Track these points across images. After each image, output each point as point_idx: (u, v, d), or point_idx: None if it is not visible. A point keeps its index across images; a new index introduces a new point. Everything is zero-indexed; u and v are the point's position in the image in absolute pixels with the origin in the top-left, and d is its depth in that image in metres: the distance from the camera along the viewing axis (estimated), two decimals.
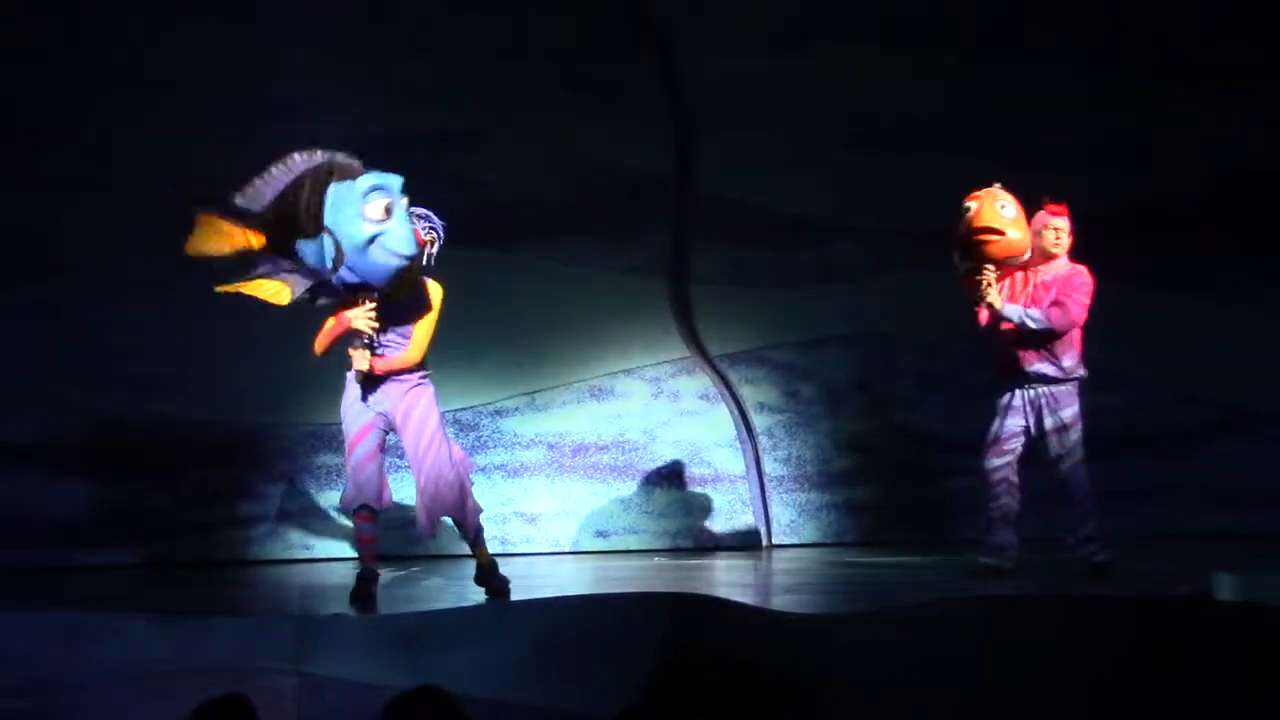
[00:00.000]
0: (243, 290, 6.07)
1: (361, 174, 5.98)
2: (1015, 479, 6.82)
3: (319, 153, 6.01)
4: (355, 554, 6.81)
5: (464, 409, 8.86)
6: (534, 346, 9.00)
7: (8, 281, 8.32)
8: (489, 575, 6.42)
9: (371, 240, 5.88)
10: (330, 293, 6.14)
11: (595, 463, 9.09)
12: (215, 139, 8.49)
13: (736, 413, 9.27)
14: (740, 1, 9.23)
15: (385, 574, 6.73)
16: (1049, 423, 6.74)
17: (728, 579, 7.60)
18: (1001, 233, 6.62)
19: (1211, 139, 9.30)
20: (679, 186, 9.28)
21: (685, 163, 9.28)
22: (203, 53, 8.54)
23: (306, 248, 5.96)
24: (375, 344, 6.20)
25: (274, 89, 8.60)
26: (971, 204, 6.70)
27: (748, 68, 9.17)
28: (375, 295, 6.11)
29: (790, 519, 9.26)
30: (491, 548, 8.76)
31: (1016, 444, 6.79)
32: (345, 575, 7.32)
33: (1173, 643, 4.96)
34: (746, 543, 9.16)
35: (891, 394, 9.38)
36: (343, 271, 5.97)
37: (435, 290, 6.36)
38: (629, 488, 9.10)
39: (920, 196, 9.07)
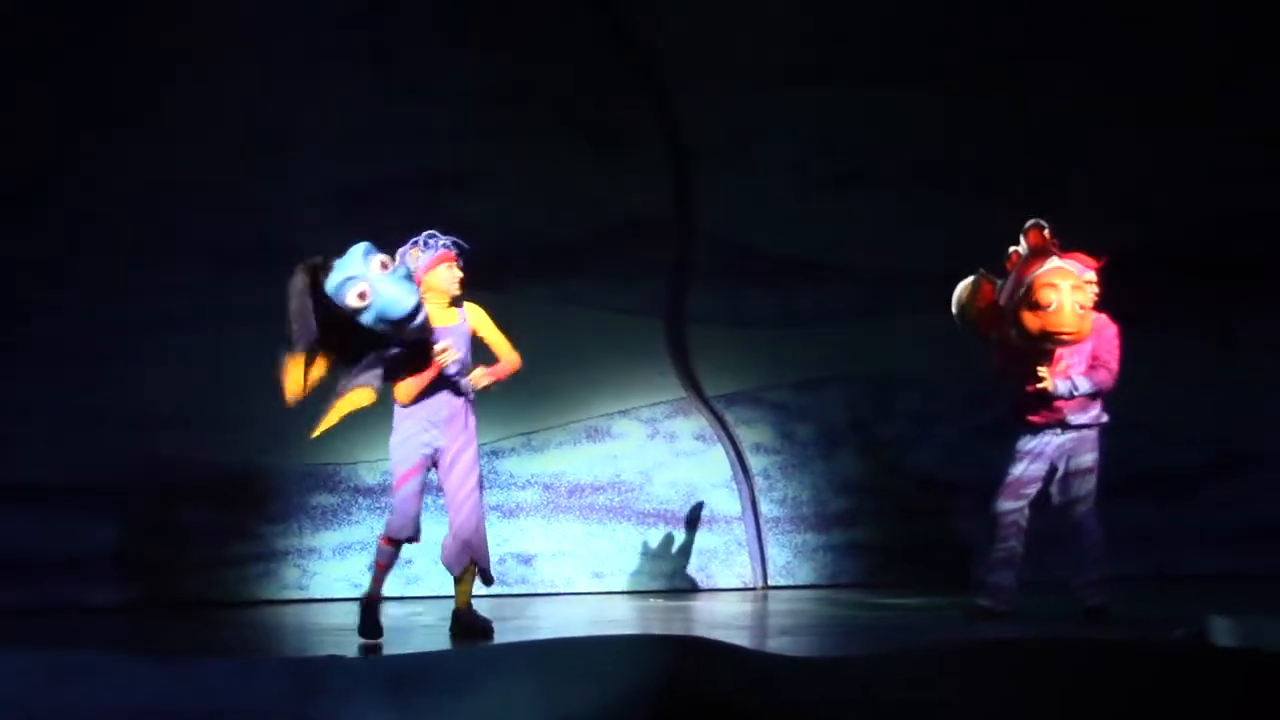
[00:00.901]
0: (334, 420, 6.24)
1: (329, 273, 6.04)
2: (1025, 524, 6.81)
3: (296, 272, 6.04)
4: (356, 589, 6.78)
5: None
6: (530, 387, 8.95)
7: (5, 319, 8.33)
8: (469, 618, 6.51)
9: (380, 320, 6.01)
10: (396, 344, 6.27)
11: (591, 503, 9.08)
12: (214, 180, 8.54)
13: (732, 453, 9.27)
14: (738, 44, 9.27)
15: (383, 615, 6.70)
16: (1071, 466, 6.76)
17: (723, 620, 7.58)
18: (1079, 333, 6.58)
19: (1210, 181, 9.34)
20: (676, 227, 9.30)
21: (683, 203, 9.31)
22: (203, 93, 8.58)
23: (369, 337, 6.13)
24: (463, 369, 6.47)
25: (274, 130, 8.64)
26: (1051, 299, 6.47)
27: (745, 109, 9.22)
28: (434, 338, 6.31)
29: (786, 560, 9.24)
30: (487, 588, 8.82)
31: (1033, 489, 6.80)
32: (340, 616, 7.31)
33: (1168, 688, 4.95)
34: (742, 584, 9.15)
35: (887, 435, 9.38)
36: (388, 346, 6.17)
37: (477, 309, 6.62)
38: (625, 528, 9.09)
39: (918, 238, 9.12)
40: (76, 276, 8.47)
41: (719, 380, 9.29)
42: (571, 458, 9.10)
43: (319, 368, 6.15)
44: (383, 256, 6.05)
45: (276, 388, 8.43)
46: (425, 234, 6.50)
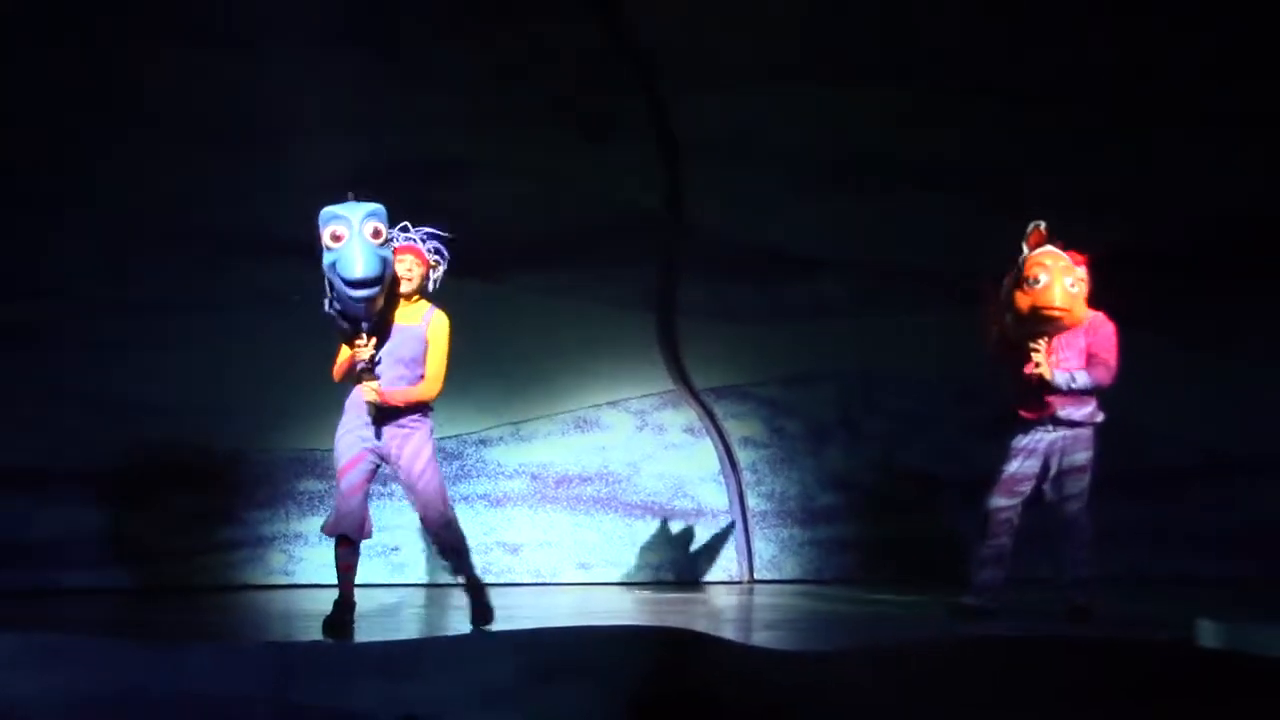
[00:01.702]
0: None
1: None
2: (1017, 521, 6.81)
3: None
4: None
5: (448, 438, 8.86)
6: (519, 377, 9.01)
7: None
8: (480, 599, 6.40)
9: (332, 267, 5.95)
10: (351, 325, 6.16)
11: (578, 494, 9.08)
12: (206, 168, 8.52)
13: (721, 447, 9.28)
14: (731, 40, 9.26)
15: (368, 602, 6.69)
16: (1064, 464, 6.75)
17: (709, 613, 7.58)
18: (1069, 311, 6.61)
19: (1198, 185, 9.35)
20: (668, 221, 9.30)
21: (674, 197, 9.31)
22: (195, 82, 8.56)
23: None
24: (377, 373, 6.17)
25: (266, 118, 8.62)
26: (1039, 275, 6.56)
27: (738, 105, 9.21)
28: (364, 325, 6.10)
29: (772, 554, 9.25)
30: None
31: (1027, 486, 6.79)
32: (326, 602, 7.29)
33: (1154, 689, 4.96)
34: (728, 577, 9.16)
35: (876, 431, 9.39)
36: (332, 302, 6.01)
37: (441, 321, 6.36)
38: (612, 520, 9.09)
39: (908, 235, 9.13)
40: (64, 261, 8.45)
41: (708, 373, 9.29)
42: (560, 448, 9.10)
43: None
44: (380, 225, 6.01)
45: (265, 374, 8.46)
46: (400, 225, 6.35)
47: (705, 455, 9.26)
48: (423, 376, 6.27)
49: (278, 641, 6.10)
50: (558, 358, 9.03)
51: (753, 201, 9.27)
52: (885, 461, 9.37)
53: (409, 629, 6.55)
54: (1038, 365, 6.64)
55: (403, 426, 6.26)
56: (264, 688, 5.53)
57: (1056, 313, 6.58)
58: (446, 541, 6.37)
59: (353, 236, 5.93)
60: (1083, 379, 6.68)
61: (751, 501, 9.25)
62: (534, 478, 9.06)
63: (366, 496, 6.32)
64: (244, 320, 8.55)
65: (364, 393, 6.16)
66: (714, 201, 9.28)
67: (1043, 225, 6.68)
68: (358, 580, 6.31)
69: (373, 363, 6.14)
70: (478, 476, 8.95)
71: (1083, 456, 6.75)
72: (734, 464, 9.27)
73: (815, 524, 9.30)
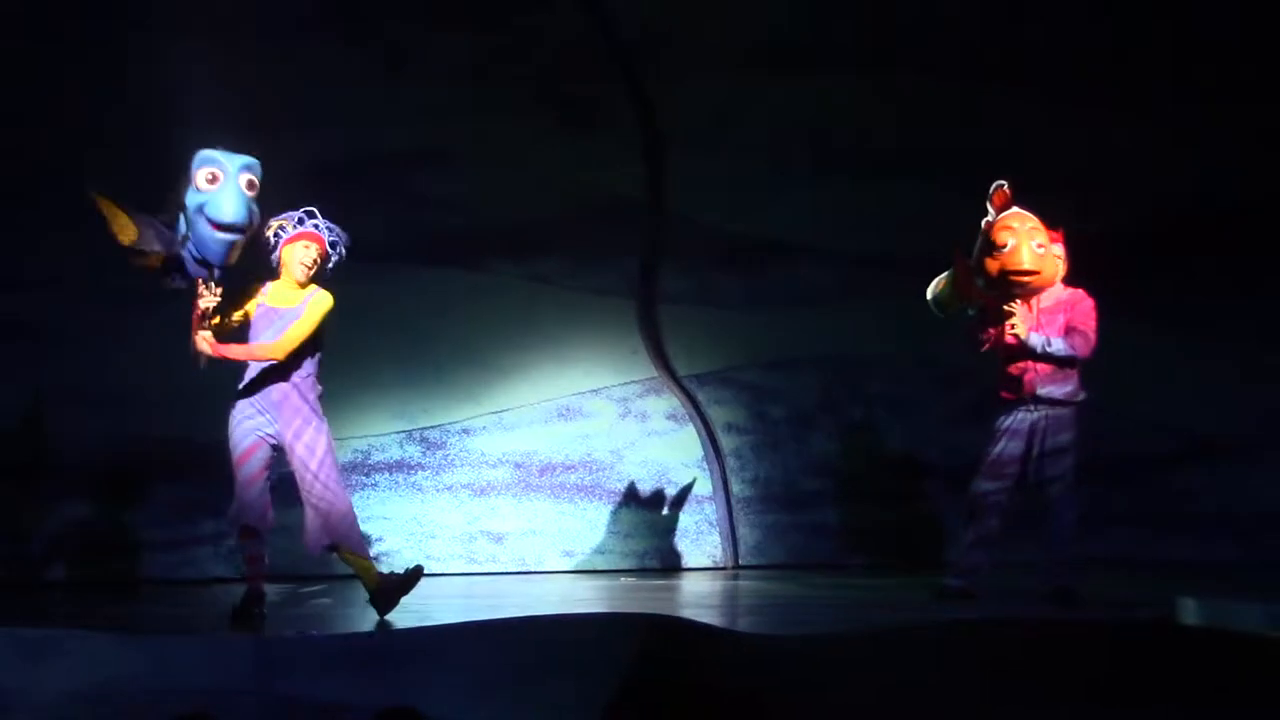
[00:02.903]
0: (102, 208, 6.11)
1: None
2: (1006, 503, 6.81)
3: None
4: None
5: (431, 427, 8.86)
6: (502, 365, 9.00)
7: None
8: (386, 593, 6.32)
9: (199, 209, 5.96)
10: (182, 276, 6.13)
11: (562, 482, 9.08)
12: (182, 155, 8.47)
13: (704, 433, 9.29)
14: (713, 27, 9.25)
15: (350, 593, 6.69)
16: (1047, 445, 6.73)
17: (694, 600, 7.60)
18: (1039, 273, 6.62)
19: (1177, 169, 9.37)
20: (649, 207, 9.29)
21: (655, 184, 9.31)
22: (173, 70, 8.51)
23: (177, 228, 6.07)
24: (217, 325, 6.16)
25: (244, 106, 8.56)
26: (1007, 239, 6.59)
27: (719, 91, 9.21)
28: (216, 273, 6.08)
29: (757, 540, 9.27)
30: (457, 566, 8.81)
31: (1013, 469, 6.78)
32: (307, 594, 7.30)
33: (1136, 667, 4.98)
34: (713, 563, 9.17)
35: (859, 417, 9.41)
36: (189, 246, 6.03)
37: (322, 299, 6.31)
38: (596, 507, 9.09)
39: (889, 221, 9.13)
40: (40, 253, 8.41)
41: (691, 360, 9.30)
42: (543, 436, 9.10)
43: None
44: (255, 178, 6.06)
45: (244, 367, 8.41)
46: (303, 210, 6.34)
47: (689, 442, 9.27)
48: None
49: (260, 634, 6.09)
50: (540, 346, 9.03)
51: (734, 188, 9.27)
52: (869, 446, 9.39)
53: (392, 620, 6.54)
54: (1014, 327, 6.65)
55: (296, 416, 6.23)
56: (247, 680, 5.53)
57: (1025, 276, 6.59)
58: (349, 543, 6.28)
59: (229, 181, 5.98)
60: (1059, 344, 6.68)
61: (735, 487, 9.27)
62: (518, 466, 9.06)
63: (267, 485, 6.27)
64: None
65: (197, 342, 6.13)
66: (696, 188, 9.27)
67: (1005, 185, 6.70)
68: (342, 572, 6.30)
69: (212, 314, 6.12)
70: (461, 466, 8.94)
71: (1065, 437, 6.74)
72: (717, 450, 9.28)
73: (799, 509, 9.31)
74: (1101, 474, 9.09)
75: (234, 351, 6.20)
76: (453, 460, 8.93)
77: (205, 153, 6.07)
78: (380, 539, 8.70)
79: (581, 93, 9.17)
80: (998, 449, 6.79)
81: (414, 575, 6.34)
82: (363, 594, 6.48)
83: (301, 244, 6.29)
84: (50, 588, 7.93)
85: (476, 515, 8.90)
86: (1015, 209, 6.65)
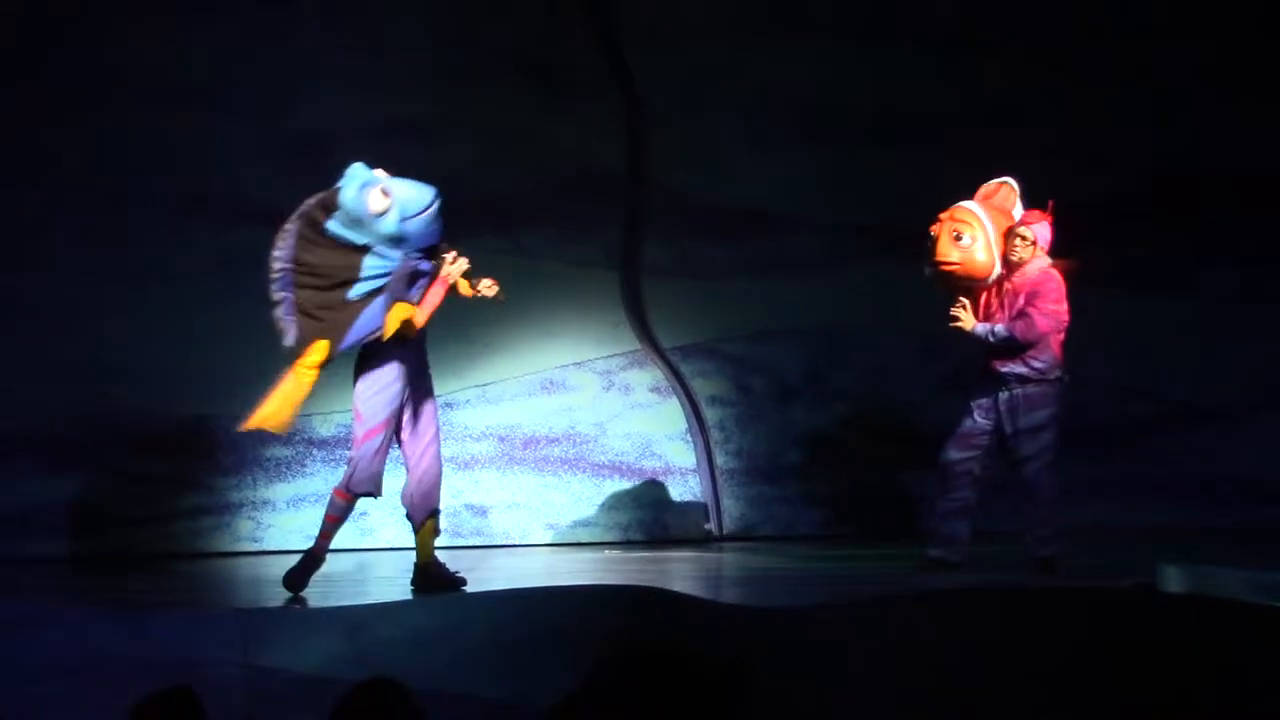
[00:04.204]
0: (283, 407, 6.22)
1: (336, 193, 6.04)
2: (979, 473, 6.82)
3: (290, 220, 6.11)
4: (310, 541, 6.68)
5: None
6: (485, 339, 8.97)
7: None
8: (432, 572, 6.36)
9: (403, 220, 5.99)
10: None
11: (546, 455, 9.07)
12: (165, 131, 8.44)
13: (688, 406, 9.27)
14: None
15: (336, 565, 6.68)
16: (1022, 423, 6.72)
17: (678, 571, 7.61)
18: (958, 264, 6.70)
19: (1154, 137, 9.37)
20: (631, 178, 9.26)
21: (637, 155, 9.27)
22: (155, 45, 8.47)
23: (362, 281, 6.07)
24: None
25: (225, 80, 8.53)
26: (931, 232, 6.76)
27: (700, 59, 9.16)
28: (445, 246, 6.24)
29: (741, 512, 9.27)
30: (441, 539, 8.76)
31: (984, 440, 6.80)
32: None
33: (1119, 635, 4.99)
34: (697, 535, 9.17)
35: (843, 387, 9.40)
36: (410, 261, 6.08)
37: None
38: (580, 481, 9.08)
39: (872, 190, 9.11)
40: (26, 228, 8.36)
41: (674, 332, 9.27)
42: (526, 410, 9.08)
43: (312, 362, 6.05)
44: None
45: (228, 339, 8.38)
46: None
47: (672, 414, 9.26)
48: None
49: (244, 607, 6.09)
50: (522, 319, 8.98)
51: (716, 158, 9.23)
52: (852, 417, 9.39)
53: (376, 592, 6.54)
54: (957, 319, 6.70)
55: (426, 375, 6.41)
56: (233, 652, 5.53)
57: (946, 268, 6.72)
58: (433, 498, 6.46)
59: (389, 184, 6.02)
60: (1000, 331, 6.70)
61: (719, 459, 9.26)
62: (501, 440, 9.04)
63: (386, 456, 6.35)
64: (207, 285, 8.48)
65: (486, 290, 6.36)
66: (677, 159, 9.23)
67: (1001, 182, 6.78)
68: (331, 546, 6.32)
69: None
70: (445, 439, 8.82)
71: (1043, 414, 6.73)
72: (701, 422, 9.27)
73: (783, 480, 9.31)
74: (1081, 441, 9.15)
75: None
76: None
77: (356, 178, 6.04)
78: (365, 514, 8.67)
79: (562, 62, 9.12)
80: (968, 423, 6.84)
81: (456, 584, 6.35)
82: (340, 567, 6.48)
83: None
84: (29, 562, 7.89)
85: (460, 489, 8.87)
86: (963, 203, 6.74)
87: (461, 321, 8.85)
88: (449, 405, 8.93)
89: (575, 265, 9.11)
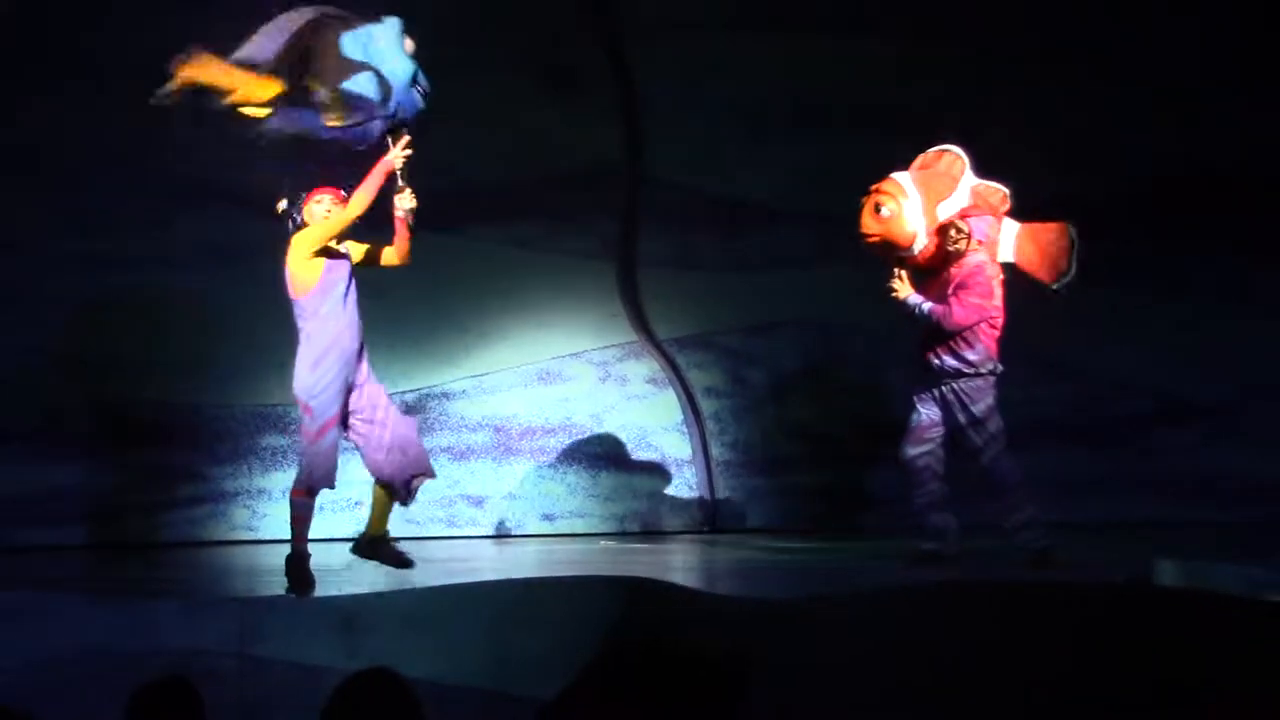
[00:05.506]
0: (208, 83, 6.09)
1: (376, 18, 6.18)
2: (939, 467, 6.87)
3: (305, 9, 6.15)
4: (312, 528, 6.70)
5: (411, 391, 8.83)
6: (482, 329, 8.97)
7: None
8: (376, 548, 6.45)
9: (414, 76, 6.16)
10: (328, 146, 6.22)
11: (542, 446, 9.07)
12: (157, 119, 8.40)
13: (684, 397, 9.28)
14: None
15: (332, 556, 6.68)
16: (963, 418, 6.80)
17: (673, 563, 7.62)
18: (878, 235, 6.85)
19: (1149, 135, 9.37)
20: (628, 170, 9.26)
21: (635, 147, 9.26)
22: (143, 33, 8.43)
23: (347, 88, 6.09)
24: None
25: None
26: (862, 203, 6.91)
27: (699, 53, 9.16)
28: (406, 132, 6.26)
29: (737, 504, 9.27)
30: (437, 530, 8.81)
31: (935, 433, 6.86)
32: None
33: (1113, 628, 5.01)
34: (692, 527, 9.18)
35: (839, 380, 9.40)
36: (390, 105, 6.13)
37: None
38: (576, 471, 9.09)
39: (868, 183, 9.08)
40: (17, 217, 8.34)
41: (671, 324, 9.27)
42: (523, 400, 9.08)
43: (233, 75, 5.98)
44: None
45: (224, 329, 8.38)
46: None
47: (668, 406, 9.26)
48: None
49: (240, 597, 6.09)
50: (519, 310, 9.00)
51: (714, 151, 9.23)
52: (848, 410, 9.38)
53: (371, 583, 6.54)
54: (894, 290, 6.81)
55: (364, 359, 6.35)
56: (228, 643, 5.53)
57: (869, 238, 6.89)
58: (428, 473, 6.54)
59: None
60: (924, 309, 6.81)
61: (715, 451, 9.27)
62: (497, 430, 9.04)
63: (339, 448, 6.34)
64: (200, 275, 8.47)
65: (405, 201, 6.37)
66: (675, 152, 9.23)
67: (942, 150, 6.96)
68: (325, 535, 6.32)
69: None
70: (440, 430, 8.92)
71: (982, 407, 6.79)
72: (697, 414, 9.28)
73: (779, 473, 9.32)
74: (1077, 436, 9.16)
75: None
76: (432, 424, 8.90)
77: (402, 22, 6.25)
78: (359, 503, 8.67)
79: (559, 55, 9.12)
80: (916, 418, 6.92)
81: (401, 563, 6.42)
82: (335, 558, 6.49)
83: (314, 199, 6.40)
84: (25, 552, 7.89)
85: (456, 479, 8.88)
86: (895, 174, 6.91)
87: (457, 311, 8.88)
88: (445, 395, 8.94)
89: (573, 256, 9.10)
